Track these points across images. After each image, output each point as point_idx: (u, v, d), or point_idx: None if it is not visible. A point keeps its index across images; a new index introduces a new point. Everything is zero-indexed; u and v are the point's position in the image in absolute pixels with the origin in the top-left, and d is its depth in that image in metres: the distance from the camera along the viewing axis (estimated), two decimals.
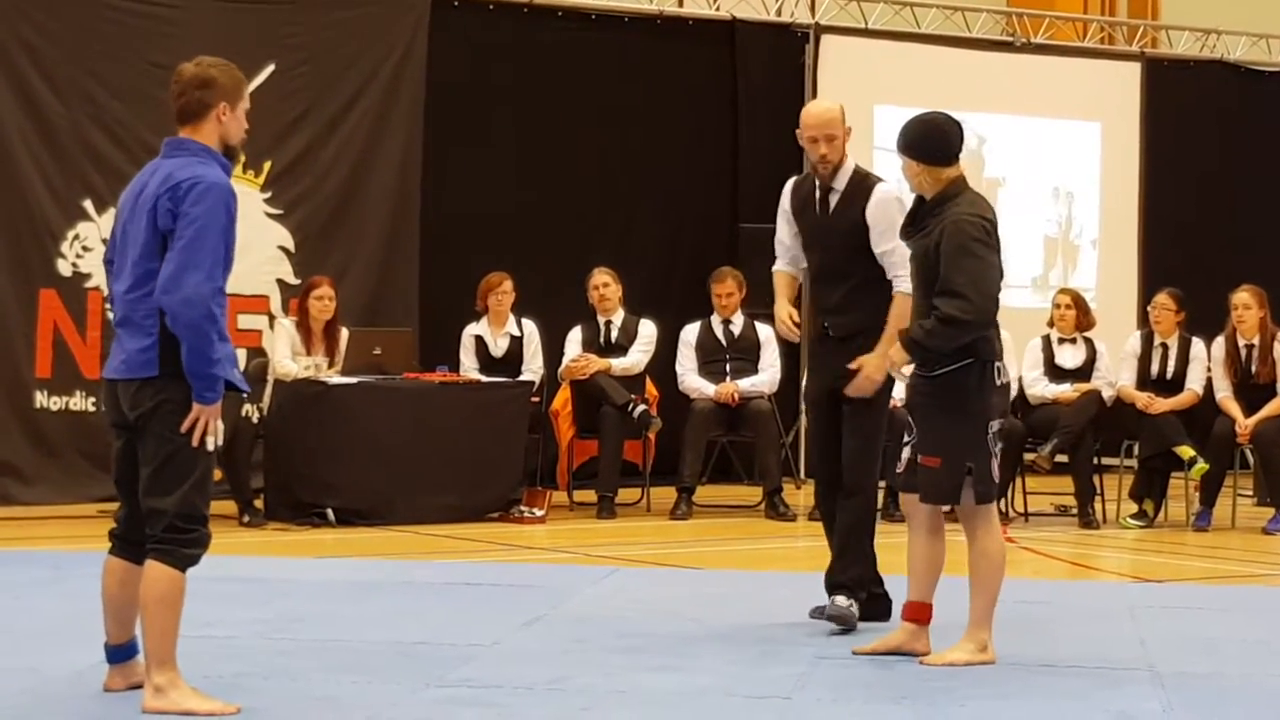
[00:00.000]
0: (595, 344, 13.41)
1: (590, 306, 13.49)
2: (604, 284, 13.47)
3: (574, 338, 13.42)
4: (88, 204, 13.04)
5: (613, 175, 15.33)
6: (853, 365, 7.97)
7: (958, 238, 7.15)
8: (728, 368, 13.41)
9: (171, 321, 5.90)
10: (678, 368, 13.51)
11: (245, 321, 13.22)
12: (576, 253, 14.47)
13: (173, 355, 5.96)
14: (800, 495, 13.89)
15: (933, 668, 7.16)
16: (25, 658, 7.06)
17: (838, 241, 8.18)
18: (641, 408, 13.02)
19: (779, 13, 16.21)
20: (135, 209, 6.08)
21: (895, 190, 8.15)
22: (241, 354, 12.85)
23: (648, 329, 13.43)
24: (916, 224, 7.37)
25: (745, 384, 13.27)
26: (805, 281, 8.67)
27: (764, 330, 13.39)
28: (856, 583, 8.13)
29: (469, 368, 13.23)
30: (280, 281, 13.64)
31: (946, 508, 7.31)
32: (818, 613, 8.17)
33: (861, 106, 15.75)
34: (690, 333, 13.54)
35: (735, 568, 10.70)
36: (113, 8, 13.24)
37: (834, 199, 8.22)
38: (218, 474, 11.37)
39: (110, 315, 6.38)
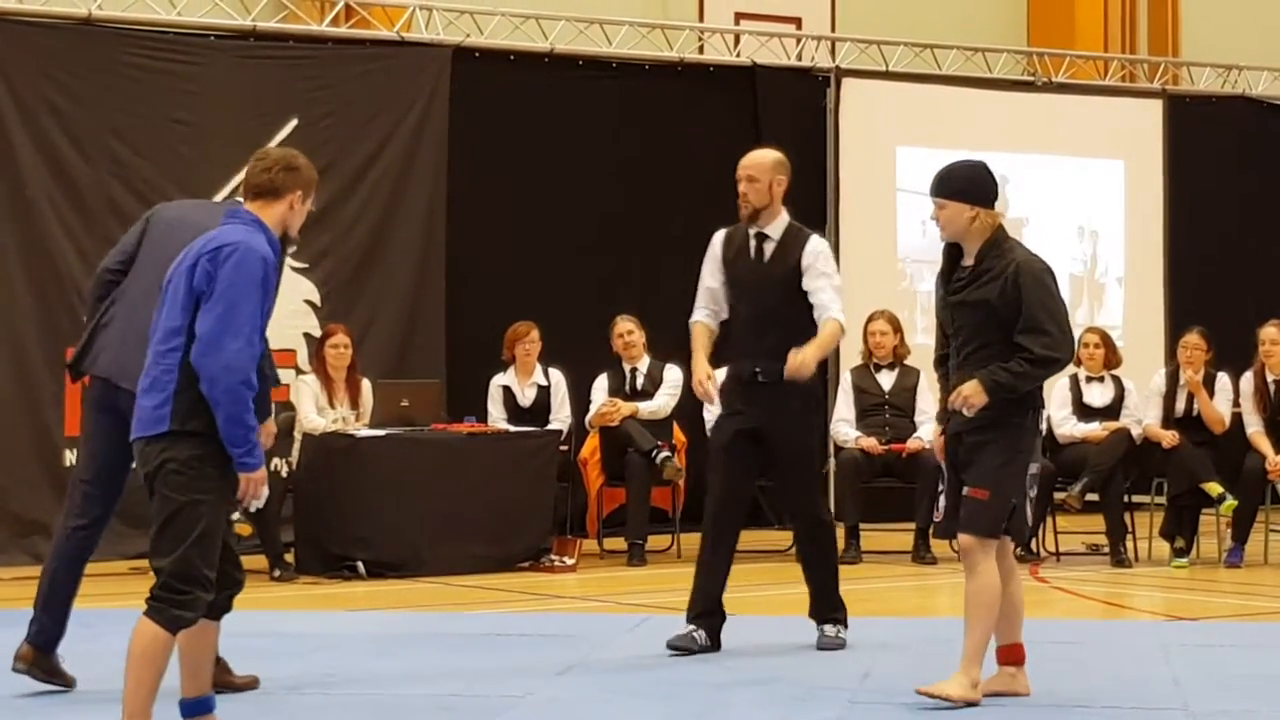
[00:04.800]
0: (621, 391, 13.41)
1: (615, 354, 13.49)
2: (628, 331, 13.47)
3: (600, 385, 13.43)
4: None
5: (636, 223, 15.33)
6: (791, 355, 8.32)
7: (1035, 278, 7.22)
8: None
9: (209, 386, 5.91)
10: (706, 414, 13.46)
11: None
12: (601, 301, 14.47)
13: (184, 413, 5.96)
14: None
15: (928, 697, 7.18)
16: (61, 711, 7.05)
17: (773, 288, 8.59)
18: (665, 454, 13.00)
19: (799, 57, 16.24)
20: (178, 271, 6.14)
21: (825, 241, 8.79)
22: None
23: (674, 374, 13.42)
24: (971, 274, 7.32)
25: None
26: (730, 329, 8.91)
27: None
28: (835, 609, 8.71)
29: (497, 418, 13.24)
30: (306, 335, 13.67)
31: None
32: (682, 641, 8.53)
33: (884, 149, 15.82)
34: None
35: (766, 613, 10.66)
36: (135, 66, 13.30)
37: (769, 247, 8.68)
38: (248, 529, 11.58)
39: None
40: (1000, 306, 7.20)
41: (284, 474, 12.50)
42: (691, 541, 13.20)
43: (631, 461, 13.07)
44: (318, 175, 6.49)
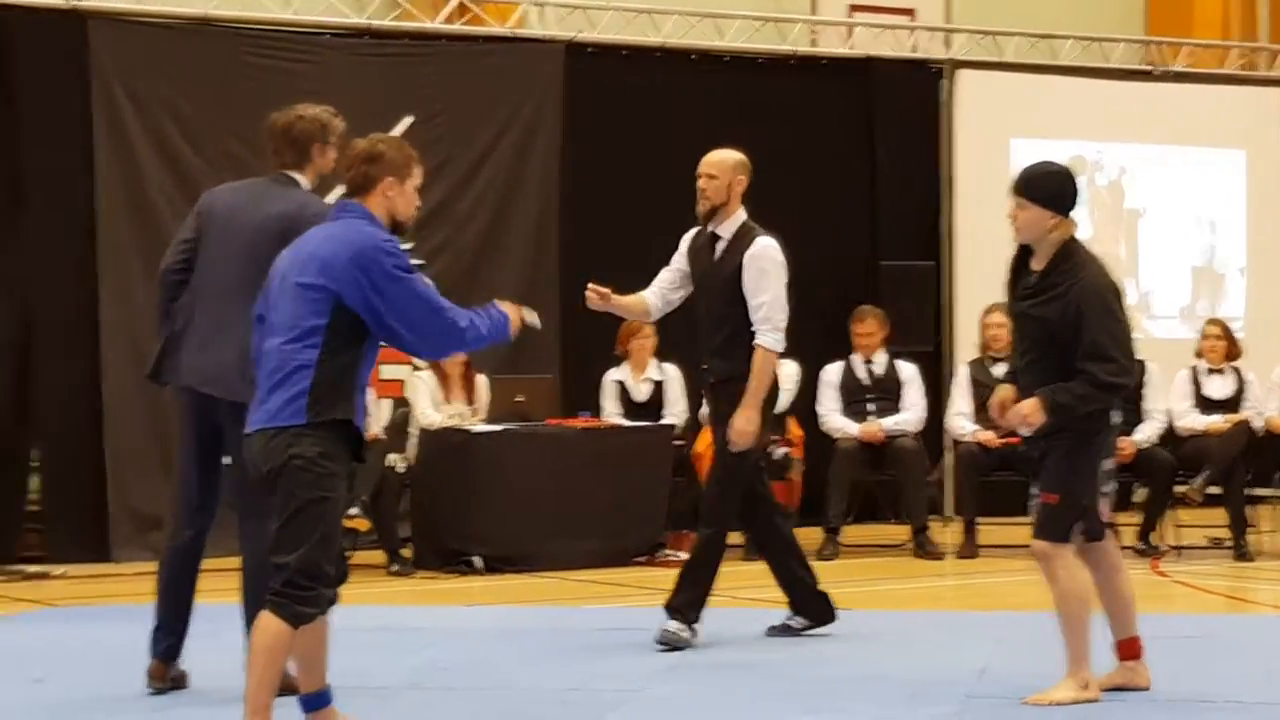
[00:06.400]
0: None
1: None
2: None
3: None
4: None
5: (752, 215, 15.24)
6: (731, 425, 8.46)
7: (1099, 302, 7.11)
8: (871, 407, 13.34)
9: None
10: (819, 408, 13.46)
11: (388, 371, 13.28)
12: None
13: (312, 410, 6.01)
14: (948, 533, 13.79)
15: (1035, 705, 7.09)
16: (184, 712, 7.11)
17: (719, 287, 8.68)
18: (782, 450, 12.96)
19: (914, 49, 16.15)
20: (295, 267, 6.16)
21: (775, 245, 8.71)
22: (386, 404, 12.95)
23: (789, 369, 13.35)
24: (1038, 285, 7.24)
25: (889, 423, 13.19)
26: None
27: (907, 369, 13.37)
28: (689, 606, 8.60)
29: (611, 413, 13.24)
30: None
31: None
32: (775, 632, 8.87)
33: (998, 141, 15.69)
34: (831, 373, 13.49)
35: (883, 608, 10.61)
36: (251, 65, 13.39)
37: (720, 246, 8.80)
38: (365, 524, 11.64)
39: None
40: (1061, 328, 7.10)
41: (400, 469, 12.54)
42: (807, 536, 13.20)
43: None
44: (417, 156, 6.42)
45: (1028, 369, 7.24)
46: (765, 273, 8.60)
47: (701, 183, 8.78)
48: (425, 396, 12.54)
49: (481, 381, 12.70)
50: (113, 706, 7.22)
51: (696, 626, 8.62)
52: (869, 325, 13.44)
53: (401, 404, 12.92)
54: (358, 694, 6.95)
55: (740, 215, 8.79)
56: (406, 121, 13.55)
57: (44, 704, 7.32)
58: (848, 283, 15.14)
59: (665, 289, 8.96)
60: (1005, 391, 7.37)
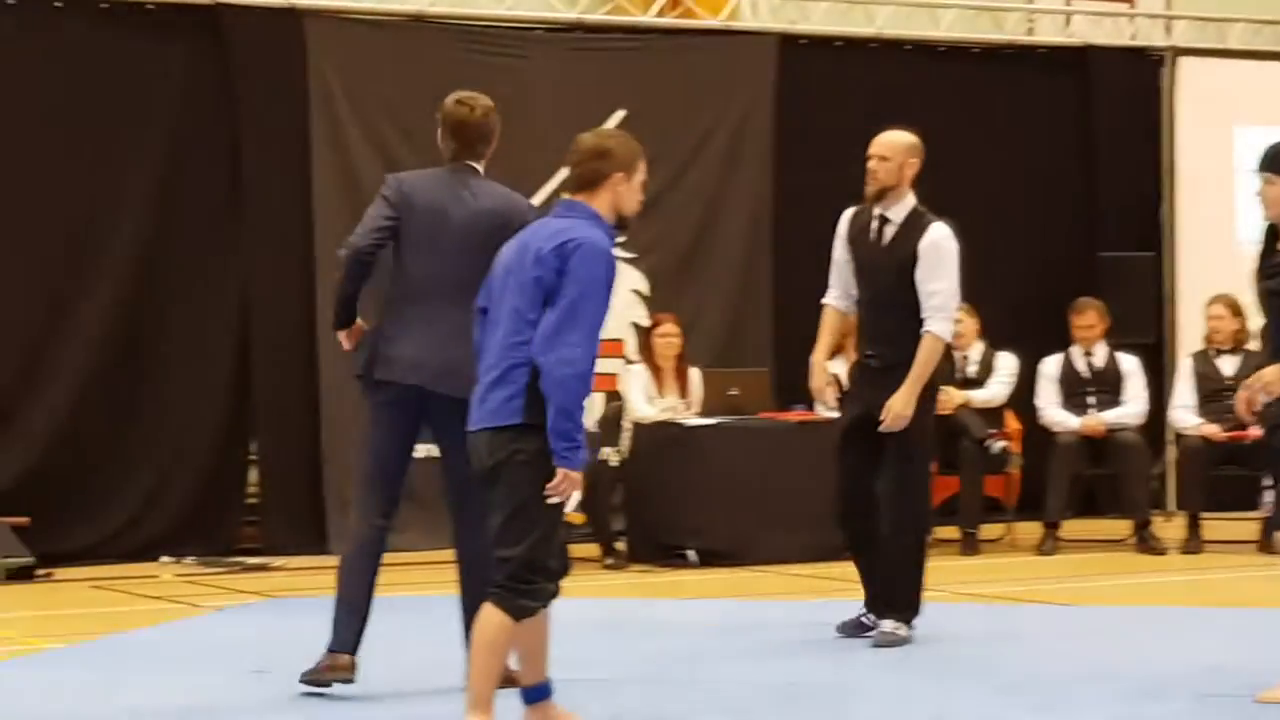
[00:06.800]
0: (952, 378, 13.21)
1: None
2: (956, 321, 13.20)
3: None
4: None
5: (966, 208, 14.92)
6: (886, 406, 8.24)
7: None
8: (1090, 400, 13.14)
9: (544, 379, 5.94)
10: (1038, 401, 13.27)
11: (601, 366, 13.16)
12: None
13: (536, 408, 5.98)
14: (1170, 528, 13.53)
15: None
16: (400, 705, 7.13)
17: (889, 272, 8.45)
18: (1000, 444, 12.80)
19: (1133, 36, 15.88)
20: (519, 261, 6.14)
21: (949, 232, 8.49)
22: (599, 398, 12.95)
23: (1007, 362, 13.19)
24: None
25: (1111, 416, 12.98)
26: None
27: (1128, 361, 13.16)
28: (905, 605, 8.40)
29: (824, 406, 13.12)
30: (635, 325, 13.73)
31: None
32: (847, 629, 8.57)
33: (1221, 129, 15.36)
34: (1050, 365, 13.31)
35: (1105, 603, 10.44)
36: (464, 61, 13.45)
37: (889, 230, 8.55)
38: (580, 518, 11.65)
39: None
40: None
41: (614, 463, 12.54)
42: (1026, 531, 13.06)
43: (965, 450, 12.87)
44: (642, 154, 6.37)
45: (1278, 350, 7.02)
46: (941, 260, 8.46)
47: (872, 164, 8.61)
48: (638, 390, 12.54)
49: (695, 375, 12.68)
50: (332, 697, 7.24)
51: (915, 623, 8.49)
52: (1089, 317, 13.24)
53: (614, 398, 12.93)
54: (577, 686, 6.92)
55: (910, 199, 8.62)
56: (618, 116, 13.54)
57: (264, 695, 7.38)
58: (1066, 274, 14.89)
59: (847, 288, 8.78)
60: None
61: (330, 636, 7.30)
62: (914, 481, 8.54)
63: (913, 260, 8.43)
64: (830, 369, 8.92)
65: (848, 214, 8.83)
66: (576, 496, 6.05)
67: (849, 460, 8.62)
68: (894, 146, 8.62)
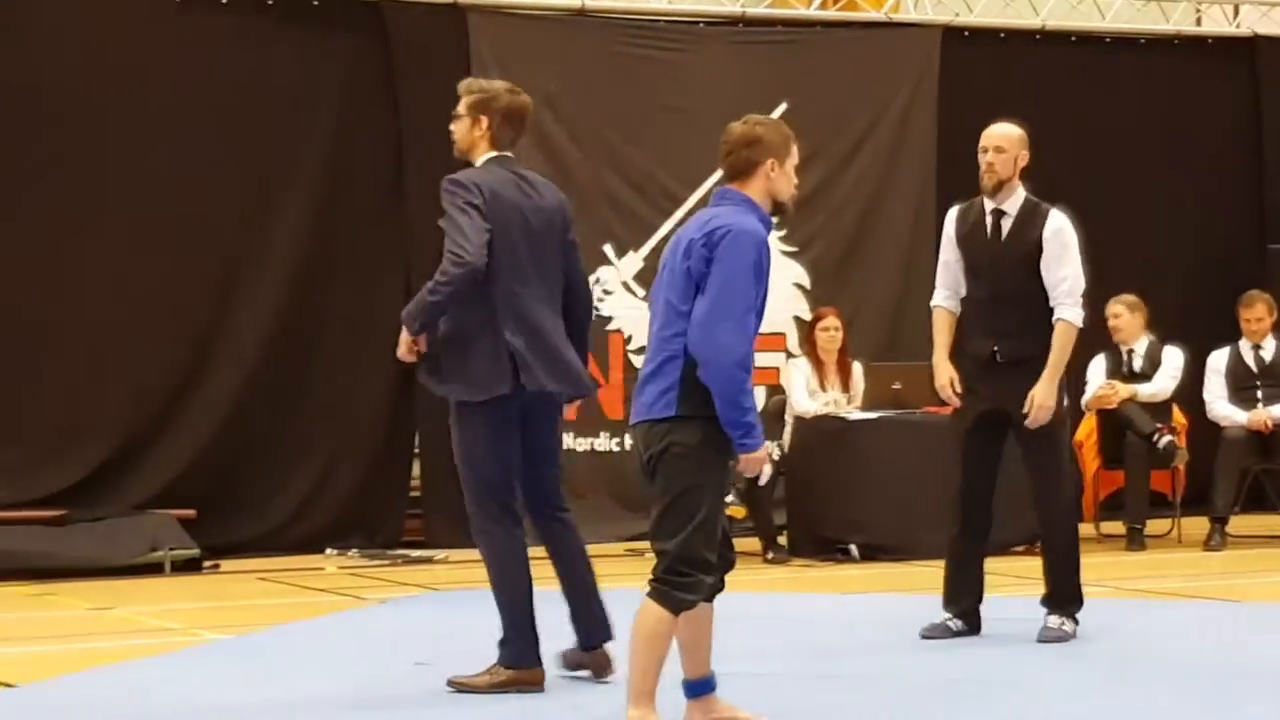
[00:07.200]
0: (1119, 372, 13.07)
1: (1108, 335, 13.18)
2: (1115, 314, 13.07)
3: (1096, 366, 13.10)
4: (608, 249, 13.34)
5: (1134, 199, 14.93)
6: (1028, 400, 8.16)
7: None
8: (1259, 394, 12.96)
9: (702, 368, 5.94)
10: (1206, 395, 13.12)
11: (763, 359, 13.21)
12: (1098, 280, 14.09)
13: (691, 400, 5.98)
14: None
15: None
16: (563, 697, 7.16)
17: (1011, 267, 8.35)
18: (1167, 438, 12.64)
19: None
20: (675, 252, 6.16)
21: (1068, 218, 8.43)
22: (760, 391, 12.92)
23: (1174, 356, 13.02)
24: None
25: None
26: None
27: None
28: (1067, 600, 8.37)
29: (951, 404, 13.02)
30: (796, 318, 13.70)
31: None
32: (936, 631, 8.43)
33: None
34: (1219, 359, 13.15)
35: (1273, 600, 10.29)
36: (626, 55, 13.48)
37: (1006, 224, 8.44)
38: (741, 512, 11.62)
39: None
40: None
41: (776, 457, 12.51)
42: (1192, 526, 12.89)
43: (1130, 445, 12.74)
44: (793, 134, 6.35)
45: None
46: (1066, 247, 8.39)
47: (989, 156, 8.52)
48: (800, 384, 12.50)
49: (857, 369, 12.63)
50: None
51: (1079, 617, 8.40)
52: (1258, 310, 13.08)
53: (776, 391, 12.90)
54: (739, 679, 6.91)
55: (1021, 191, 8.55)
56: (781, 108, 13.50)
57: (427, 687, 7.41)
58: (1234, 267, 14.69)
59: (956, 290, 8.66)
60: None
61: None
62: (1064, 471, 8.53)
63: (1037, 251, 8.36)
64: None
65: (954, 213, 8.78)
66: (768, 470, 6.05)
67: (974, 456, 8.54)
68: (1009, 138, 8.54)
